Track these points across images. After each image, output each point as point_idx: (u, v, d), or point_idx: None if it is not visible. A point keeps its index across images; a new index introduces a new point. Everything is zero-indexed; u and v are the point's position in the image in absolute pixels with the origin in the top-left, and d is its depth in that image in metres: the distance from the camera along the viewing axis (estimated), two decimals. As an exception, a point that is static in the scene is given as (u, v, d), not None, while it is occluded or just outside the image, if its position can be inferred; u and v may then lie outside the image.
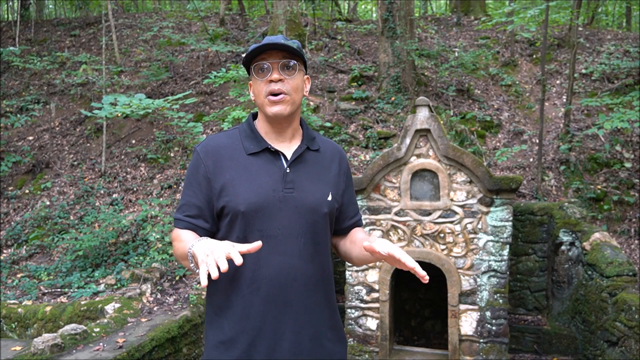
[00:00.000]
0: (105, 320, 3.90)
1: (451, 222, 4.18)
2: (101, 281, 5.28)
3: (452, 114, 7.20)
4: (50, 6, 17.29)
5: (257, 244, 1.28)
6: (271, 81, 1.51)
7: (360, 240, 1.63)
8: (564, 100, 7.47)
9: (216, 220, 1.55)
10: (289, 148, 1.60)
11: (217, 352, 1.50)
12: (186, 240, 1.45)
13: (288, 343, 1.48)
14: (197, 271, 1.36)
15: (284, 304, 1.49)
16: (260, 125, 1.62)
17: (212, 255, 1.21)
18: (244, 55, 1.58)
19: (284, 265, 1.49)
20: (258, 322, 1.48)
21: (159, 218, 6.05)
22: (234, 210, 1.48)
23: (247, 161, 1.54)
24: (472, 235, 4.13)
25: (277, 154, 1.57)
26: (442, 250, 4.21)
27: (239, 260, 1.20)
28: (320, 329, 1.56)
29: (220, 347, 1.50)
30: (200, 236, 1.50)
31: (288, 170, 1.55)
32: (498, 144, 6.82)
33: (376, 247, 1.37)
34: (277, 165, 1.55)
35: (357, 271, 4.44)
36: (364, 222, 4.40)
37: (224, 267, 1.17)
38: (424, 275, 1.32)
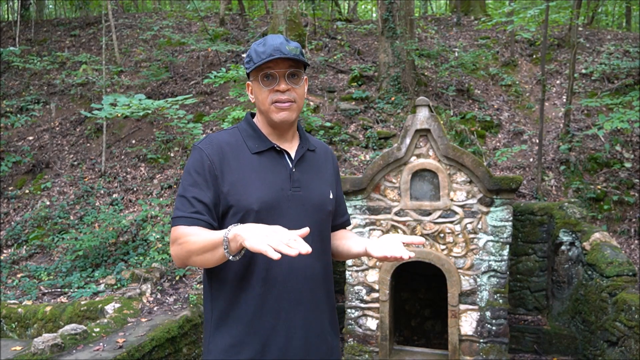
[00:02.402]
0: (105, 320, 3.90)
1: (451, 222, 4.18)
2: (101, 281, 5.28)
3: (452, 114, 7.20)
4: (50, 6, 17.29)
5: (305, 230, 1.22)
6: (277, 90, 1.51)
7: (351, 236, 1.73)
8: (564, 100, 7.47)
9: (220, 219, 1.51)
10: (290, 148, 1.61)
11: (227, 355, 1.47)
12: (205, 232, 1.38)
13: (299, 341, 1.49)
14: (232, 258, 1.31)
15: (296, 301, 1.49)
16: (261, 126, 1.61)
17: (277, 237, 1.18)
18: (244, 55, 1.57)
19: (295, 263, 1.48)
20: (272, 322, 1.47)
21: (159, 218, 6.05)
22: (247, 208, 1.46)
23: (253, 160, 1.53)
24: (472, 235, 4.13)
25: (281, 153, 1.58)
26: (442, 250, 4.21)
27: (308, 250, 1.16)
28: (324, 324, 1.58)
29: (230, 350, 1.47)
30: None
31: (294, 170, 1.56)
32: (498, 144, 6.82)
33: (373, 253, 1.49)
34: (282, 165, 1.56)
35: (357, 271, 4.44)
36: (363, 222, 4.40)
37: (308, 249, 1.16)
38: (419, 241, 1.46)
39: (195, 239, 1.39)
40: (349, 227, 1.91)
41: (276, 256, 1.13)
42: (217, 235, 1.33)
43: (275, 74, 1.50)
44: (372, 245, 1.50)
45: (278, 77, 1.51)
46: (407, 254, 1.39)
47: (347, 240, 1.70)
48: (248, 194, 1.47)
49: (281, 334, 1.47)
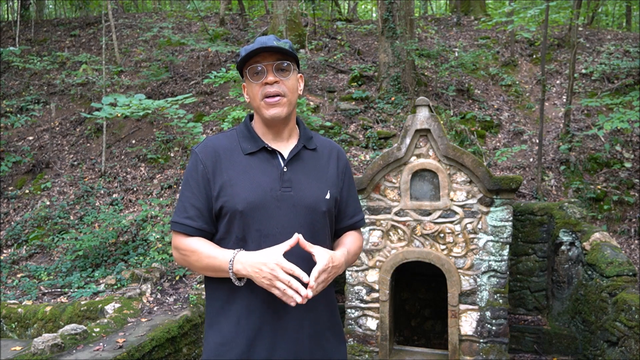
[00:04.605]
0: (105, 320, 3.90)
1: (451, 222, 4.18)
2: (101, 281, 5.27)
3: (452, 114, 7.20)
4: (50, 6, 17.28)
5: (295, 237, 1.42)
6: (266, 83, 1.51)
7: (342, 244, 1.69)
8: (564, 100, 7.47)
9: (215, 221, 1.54)
10: (286, 147, 1.60)
11: (216, 354, 1.50)
12: (206, 250, 1.48)
13: (288, 343, 1.49)
14: (239, 284, 1.47)
15: (283, 303, 1.48)
16: (257, 126, 1.62)
17: (279, 279, 1.36)
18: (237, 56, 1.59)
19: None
20: (258, 322, 1.48)
21: (159, 218, 6.05)
22: (232, 209, 1.48)
23: (245, 161, 1.54)
24: (472, 235, 4.13)
25: (274, 153, 1.57)
26: (442, 250, 4.21)
27: (306, 279, 1.38)
28: (320, 328, 1.57)
29: (220, 348, 1.50)
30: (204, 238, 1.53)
31: (285, 169, 1.55)
32: (498, 144, 6.82)
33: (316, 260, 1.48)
34: (274, 165, 1.55)
35: (357, 271, 4.44)
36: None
37: (304, 293, 1.36)
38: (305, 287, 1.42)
39: (196, 258, 1.49)
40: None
41: (298, 300, 1.37)
42: (219, 260, 1.45)
43: (263, 67, 1.51)
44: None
45: (266, 70, 1.51)
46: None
47: (338, 247, 1.68)
48: (234, 195, 1.49)
49: (267, 335, 1.48)
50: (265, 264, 1.36)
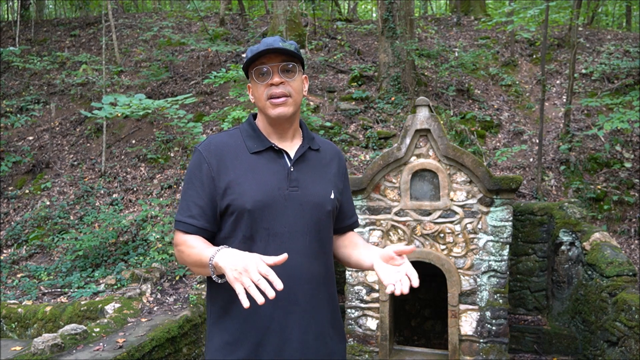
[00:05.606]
0: (105, 320, 3.90)
1: (451, 222, 4.18)
2: (101, 281, 5.28)
3: (452, 114, 7.20)
4: (50, 6, 17.29)
5: (284, 256, 1.28)
6: (272, 84, 1.52)
7: (362, 245, 1.70)
8: (564, 100, 7.47)
9: (218, 220, 1.54)
10: (290, 147, 1.61)
11: (222, 353, 1.49)
12: (198, 246, 1.45)
13: (296, 342, 1.49)
14: (220, 281, 1.40)
15: (291, 302, 1.48)
16: (262, 125, 1.62)
17: (249, 275, 1.22)
18: (244, 55, 1.58)
19: (290, 263, 1.47)
20: (266, 322, 1.47)
21: (159, 218, 6.05)
22: (241, 208, 1.48)
23: (251, 160, 1.54)
24: (472, 235, 4.13)
25: (280, 152, 1.58)
26: (442, 250, 4.21)
27: (280, 286, 1.21)
28: (324, 327, 1.57)
29: (226, 347, 1.49)
30: (204, 238, 1.51)
31: (292, 169, 1.56)
32: (498, 144, 6.82)
33: (382, 278, 1.44)
34: (280, 164, 1.56)
35: (357, 271, 4.44)
36: (363, 222, 4.40)
37: (272, 294, 1.19)
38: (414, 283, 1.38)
39: (190, 252, 1.47)
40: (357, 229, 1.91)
41: (246, 304, 1.20)
42: (206, 255, 1.39)
43: (269, 68, 1.52)
44: (382, 272, 1.45)
45: (272, 71, 1.52)
46: (406, 287, 1.36)
47: (357, 251, 1.68)
48: (242, 193, 1.49)
49: (276, 335, 1.47)
50: (243, 259, 1.27)
